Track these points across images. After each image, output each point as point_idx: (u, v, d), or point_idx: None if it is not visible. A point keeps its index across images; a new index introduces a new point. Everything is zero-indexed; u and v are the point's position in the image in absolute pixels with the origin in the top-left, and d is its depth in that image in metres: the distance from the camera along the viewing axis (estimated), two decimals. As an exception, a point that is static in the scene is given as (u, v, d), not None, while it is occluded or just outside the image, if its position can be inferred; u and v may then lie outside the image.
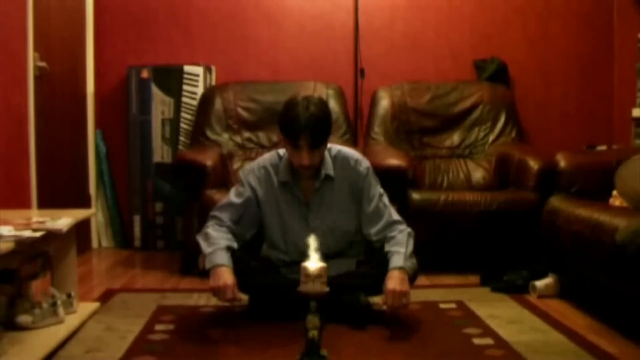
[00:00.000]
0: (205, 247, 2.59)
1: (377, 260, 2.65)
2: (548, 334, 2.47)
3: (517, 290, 3.06)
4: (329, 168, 2.70)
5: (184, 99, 4.19)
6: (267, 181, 2.72)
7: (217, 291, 2.49)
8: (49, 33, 3.64)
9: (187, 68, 4.19)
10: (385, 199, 2.75)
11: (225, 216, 2.68)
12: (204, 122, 4.00)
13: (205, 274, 2.57)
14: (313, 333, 2.04)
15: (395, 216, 2.73)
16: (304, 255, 2.15)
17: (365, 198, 2.72)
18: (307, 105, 2.55)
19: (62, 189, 3.80)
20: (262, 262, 2.78)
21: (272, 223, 2.74)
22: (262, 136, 4.03)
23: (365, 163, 2.75)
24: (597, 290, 2.84)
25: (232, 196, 2.74)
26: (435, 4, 4.44)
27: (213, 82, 4.32)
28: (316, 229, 2.50)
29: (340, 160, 2.73)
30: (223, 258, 2.54)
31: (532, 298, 2.99)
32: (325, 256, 2.19)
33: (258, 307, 2.69)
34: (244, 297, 2.62)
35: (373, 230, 2.70)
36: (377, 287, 2.55)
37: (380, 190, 2.75)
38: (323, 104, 2.65)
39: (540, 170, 3.47)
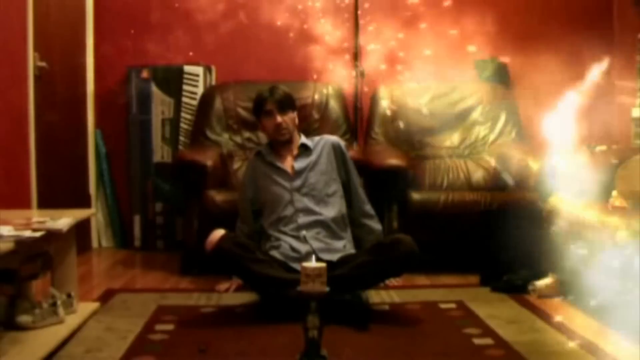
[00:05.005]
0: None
1: (377, 250, 2.73)
2: (548, 334, 2.47)
3: (517, 290, 3.06)
4: (306, 141, 3.07)
5: (184, 99, 4.19)
6: (254, 167, 3.10)
7: (207, 241, 2.70)
8: (49, 33, 3.63)
9: (187, 68, 4.19)
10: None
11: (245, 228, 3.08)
12: (204, 122, 4.00)
13: (210, 264, 2.85)
14: (313, 333, 2.04)
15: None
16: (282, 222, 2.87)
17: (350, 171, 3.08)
18: (268, 88, 3.02)
19: (62, 189, 3.79)
20: (267, 256, 2.83)
21: (265, 195, 3.03)
22: (262, 136, 4.00)
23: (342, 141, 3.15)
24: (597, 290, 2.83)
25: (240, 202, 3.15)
26: (435, 3, 4.43)
27: (213, 82, 4.31)
28: (298, 190, 2.93)
29: (317, 138, 3.12)
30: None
31: (532, 298, 2.99)
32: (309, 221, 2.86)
33: (265, 305, 2.73)
34: (245, 297, 2.62)
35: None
36: (378, 276, 2.74)
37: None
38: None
39: (540, 170, 3.47)
